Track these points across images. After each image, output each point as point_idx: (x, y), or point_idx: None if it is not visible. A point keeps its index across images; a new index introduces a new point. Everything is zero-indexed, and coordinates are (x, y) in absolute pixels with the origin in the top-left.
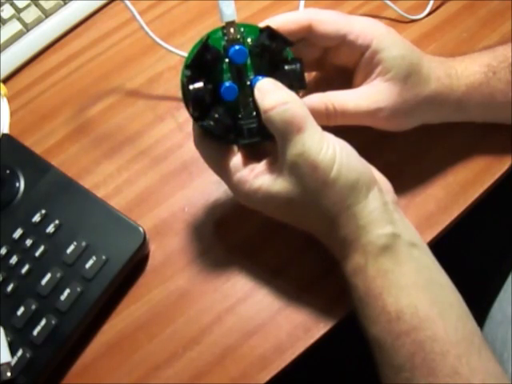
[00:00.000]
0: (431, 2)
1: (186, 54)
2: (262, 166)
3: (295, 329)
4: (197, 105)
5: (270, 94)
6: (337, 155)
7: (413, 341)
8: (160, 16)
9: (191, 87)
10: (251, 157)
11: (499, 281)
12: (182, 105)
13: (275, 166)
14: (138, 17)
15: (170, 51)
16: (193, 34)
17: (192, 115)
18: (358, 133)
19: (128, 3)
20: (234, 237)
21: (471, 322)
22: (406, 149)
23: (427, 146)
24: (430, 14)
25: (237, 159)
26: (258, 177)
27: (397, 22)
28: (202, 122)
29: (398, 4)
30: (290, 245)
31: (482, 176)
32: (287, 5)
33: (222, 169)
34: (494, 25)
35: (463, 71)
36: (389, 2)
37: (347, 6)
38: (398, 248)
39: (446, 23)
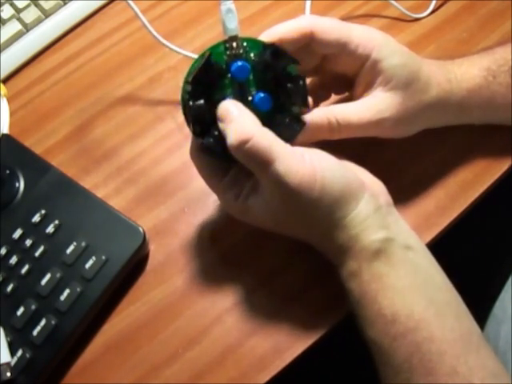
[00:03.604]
0: (433, 2)
1: (187, 53)
2: (250, 186)
3: (295, 329)
4: (197, 122)
5: (231, 127)
6: (317, 174)
7: (410, 342)
8: (160, 16)
9: (192, 104)
10: (244, 174)
11: (500, 280)
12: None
13: (261, 187)
14: (140, 16)
15: (173, 50)
16: (193, 33)
17: (192, 131)
18: None
19: (131, 3)
20: (233, 236)
21: (469, 321)
22: (406, 149)
23: (427, 147)
24: (432, 12)
25: (228, 179)
26: (246, 197)
27: (399, 20)
28: (201, 140)
29: (398, 3)
30: (291, 243)
31: (481, 176)
32: (288, 5)
33: (213, 186)
34: (494, 25)
35: (463, 75)
36: (393, 2)
37: (348, 4)
38: (392, 251)
39: (446, 23)
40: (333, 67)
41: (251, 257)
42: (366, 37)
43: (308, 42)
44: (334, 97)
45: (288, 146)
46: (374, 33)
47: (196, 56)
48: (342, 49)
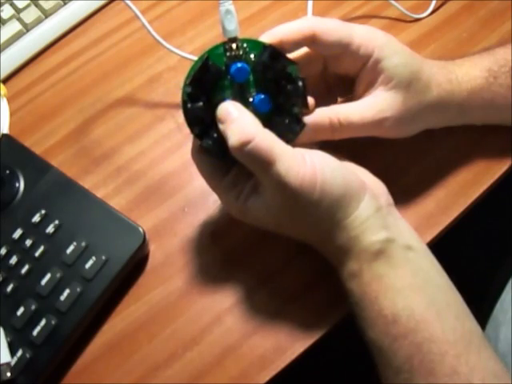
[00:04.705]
0: (433, 2)
1: (185, 55)
2: (250, 186)
3: (295, 329)
4: (196, 123)
5: (231, 128)
6: (317, 175)
7: (410, 343)
8: (160, 16)
9: (190, 106)
10: (245, 174)
11: (500, 280)
12: (181, 105)
13: (262, 188)
14: (140, 16)
15: (172, 51)
16: (193, 34)
17: (192, 133)
18: None
19: (130, 3)
20: (233, 236)
21: (470, 322)
22: (407, 149)
23: (427, 147)
24: (432, 12)
25: (228, 180)
26: (247, 198)
27: (399, 20)
28: (200, 142)
29: (398, 3)
30: (292, 243)
31: (481, 176)
32: (287, 5)
33: (214, 186)
34: (494, 25)
35: (464, 76)
36: (393, 2)
37: (349, 5)
38: (393, 252)
39: (446, 23)
40: (336, 69)
41: (251, 257)
42: (367, 37)
43: (310, 45)
44: None
45: (289, 147)
46: (375, 33)
47: (194, 56)
48: (344, 50)
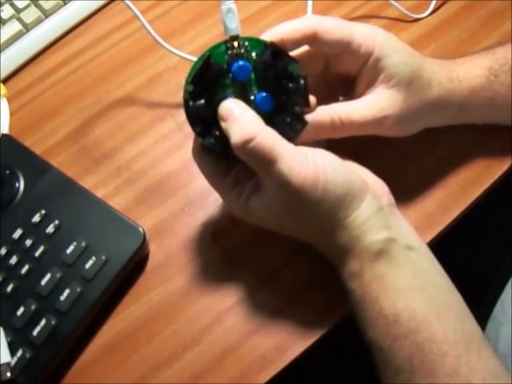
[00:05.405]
0: (433, 2)
1: (186, 55)
2: (251, 185)
3: (296, 328)
4: (198, 122)
5: (234, 126)
6: (319, 174)
7: (411, 343)
8: (160, 16)
9: (192, 104)
10: (247, 173)
11: (500, 281)
12: (182, 105)
13: (264, 187)
14: (139, 16)
15: (171, 51)
16: (193, 34)
17: (194, 131)
18: None
19: (129, 3)
20: (233, 236)
21: (471, 322)
22: (407, 148)
23: (427, 146)
24: (432, 12)
25: (229, 179)
26: (248, 197)
27: (399, 20)
28: (202, 140)
29: (398, 3)
30: (293, 243)
31: (482, 176)
32: (287, 5)
33: (215, 185)
34: (494, 25)
35: (464, 75)
36: (393, 2)
37: (349, 5)
38: (394, 252)
39: (446, 23)
40: (337, 68)
41: (252, 256)
42: (368, 36)
43: (312, 44)
44: None
45: (291, 145)
46: (376, 31)
47: (194, 57)
48: (345, 48)
